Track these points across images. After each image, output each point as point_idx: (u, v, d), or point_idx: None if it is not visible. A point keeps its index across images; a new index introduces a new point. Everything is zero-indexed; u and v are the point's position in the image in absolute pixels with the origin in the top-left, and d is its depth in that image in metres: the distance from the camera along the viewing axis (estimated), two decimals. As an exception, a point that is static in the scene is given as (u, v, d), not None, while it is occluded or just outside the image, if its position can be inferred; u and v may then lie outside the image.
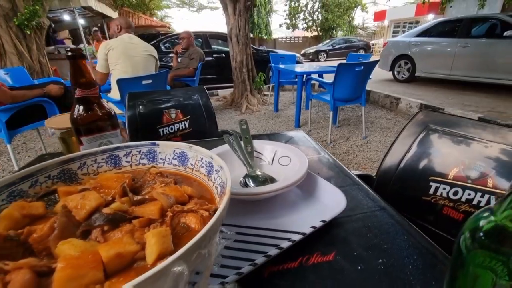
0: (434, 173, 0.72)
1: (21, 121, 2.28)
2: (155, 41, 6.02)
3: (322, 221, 0.39)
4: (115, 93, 2.22)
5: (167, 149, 0.46)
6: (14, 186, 0.36)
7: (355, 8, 18.25)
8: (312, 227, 0.38)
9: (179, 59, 3.34)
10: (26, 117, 2.31)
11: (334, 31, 18.55)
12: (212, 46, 5.94)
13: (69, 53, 0.41)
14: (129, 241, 0.27)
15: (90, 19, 8.84)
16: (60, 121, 0.51)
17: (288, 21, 19.88)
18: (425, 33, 5.55)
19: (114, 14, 9.13)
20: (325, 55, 13.91)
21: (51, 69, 5.65)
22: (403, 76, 5.83)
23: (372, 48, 14.32)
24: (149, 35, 9.22)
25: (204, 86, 1.38)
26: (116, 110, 2.05)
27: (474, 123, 0.69)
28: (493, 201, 0.63)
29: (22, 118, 2.26)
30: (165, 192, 0.34)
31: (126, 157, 0.46)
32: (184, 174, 0.43)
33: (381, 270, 0.33)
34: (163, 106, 1.24)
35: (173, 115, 1.25)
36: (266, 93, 4.78)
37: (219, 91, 5.19)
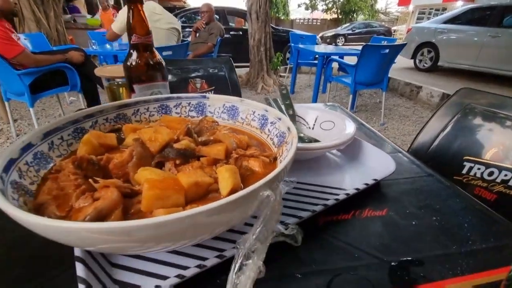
0: (469, 152, 0.71)
1: (43, 86, 2.31)
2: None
3: (374, 179, 0.40)
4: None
5: (216, 103, 0.46)
6: (78, 123, 0.37)
7: (379, -9, 17.29)
8: (364, 183, 0.38)
9: (197, 34, 3.28)
10: (47, 83, 2.34)
11: (354, 15, 17.72)
12: (230, 23, 5.79)
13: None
14: (203, 174, 0.28)
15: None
16: (112, 71, 0.52)
17: (307, 1, 19.06)
18: (453, 20, 5.25)
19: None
20: (343, 39, 13.40)
21: (67, 37, 5.65)
22: (425, 65, 5.59)
23: (393, 34, 13.67)
24: (165, 8, 9.02)
25: (232, 60, 1.36)
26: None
27: (520, 103, 0.67)
28: (532, 183, 0.62)
29: (43, 83, 2.30)
30: (228, 136, 0.35)
31: (176, 108, 0.46)
32: (233, 128, 0.44)
33: (436, 226, 0.34)
34: (189, 75, 1.23)
35: (198, 85, 1.25)
36: (282, 74, 4.68)
37: (236, 70, 5.11)
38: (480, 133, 0.71)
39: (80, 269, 0.24)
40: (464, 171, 0.72)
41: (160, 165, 0.29)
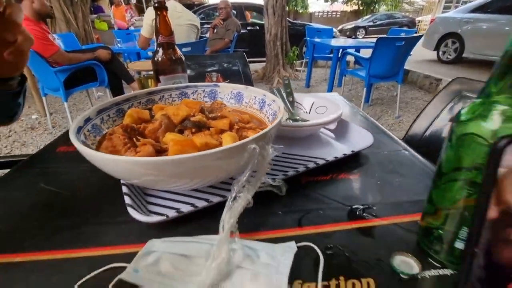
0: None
1: (74, 82, 2.53)
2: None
3: (352, 151, 0.48)
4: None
5: (226, 90, 0.56)
6: (119, 105, 0.49)
7: (403, -20, 16.51)
8: (343, 154, 0.47)
9: (215, 30, 3.40)
10: (78, 79, 2.55)
11: (376, 5, 17.09)
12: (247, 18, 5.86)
13: (156, 5, 0.51)
14: (212, 138, 0.38)
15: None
16: (142, 65, 0.63)
17: (326, -7, 18.61)
18: (481, 8, 4.98)
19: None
20: (363, 32, 13.02)
21: (94, 36, 6.00)
22: (449, 56, 5.37)
23: (418, 25, 13.08)
24: (183, 5, 9.24)
25: (245, 55, 1.46)
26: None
27: None
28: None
29: (75, 79, 2.51)
30: (232, 114, 0.45)
31: (193, 94, 0.57)
32: (239, 110, 0.54)
33: (395, 185, 0.42)
34: (206, 69, 1.34)
35: (214, 78, 1.35)
36: (298, 68, 4.71)
37: (251, 65, 5.20)
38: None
39: (127, 200, 0.35)
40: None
41: (180, 132, 0.40)
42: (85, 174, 0.46)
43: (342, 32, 13.19)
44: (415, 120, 0.86)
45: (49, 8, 2.27)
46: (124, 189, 0.37)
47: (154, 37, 0.55)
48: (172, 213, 0.34)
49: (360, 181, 0.44)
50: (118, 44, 3.62)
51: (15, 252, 0.30)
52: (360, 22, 13.63)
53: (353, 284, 0.26)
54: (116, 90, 2.76)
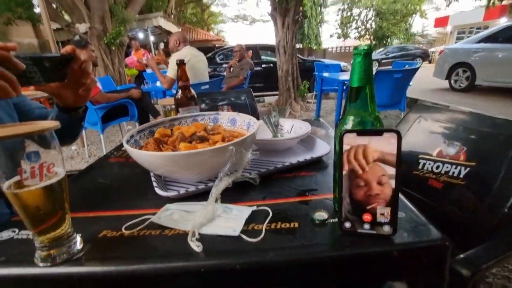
0: (423, 152, 0.91)
1: (109, 118, 2.94)
2: (211, 53, 6.75)
3: (311, 157, 0.67)
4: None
5: (224, 116, 0.79)
6: (151, 127, 0.72)
7: (413, 15, 17.21)
8: (304, 159, 0.66)
9: (231, 69, 3.82)
10: (113, 115, 2.96)
11: (389, 39, 17.74)
12: (262, 57, 6.41)
13: (178, 62, 0.77)
14: (209, 145, 0.59)
15: (158, 36, 10.24)
16: (167, 101, 0.89)
17: (339, 30, 19.69)
18: (489, 39, 5.14)
19: (178, 31, 10.42)
20: (377, 64, 13.43)
21: (127, 78, 6.80)
22: (461, 85, 5.44)
23: (431, 56, 13.31)
24: (206, 48, 10.25)
25: (252, 90, 1.72)
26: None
27: (454, 112, 0.88)
28: (463, 172, 0.81)
29: (110, 115, 2.92)
30: (225, 132, 0.66)
31: (202, 120, 0.80)
32: (233, 130, 0.75)
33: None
34: (218, 103, 1.61)
35: (225, 110, 1.61)
36: (310, 100, 5.00)
37: (265, 98, 5.58)
38: (428, 137, 0.92)
39: (155, 184, 0.56)
40: (420, 167, 0.92)
41: (189, 142, 0.62)
42: (127, 174, 0.68)
43: (355, 65, 13.63)
44: (387, 140, 1.02)
45: (95, 58, 2.76)
46: (153, 178, 0.58)
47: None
48: (182, 191, 0.54)
49: (314, 177, 0.62)
50: (147, 84, 4.14)
51: (91, 210, 0.51)
52: (373, 55, 14.10)
53: (285, 225, 0.44)
54: (144, 123, 3.13)
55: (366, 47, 0.36)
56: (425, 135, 0.93)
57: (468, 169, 0.80)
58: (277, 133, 0.82)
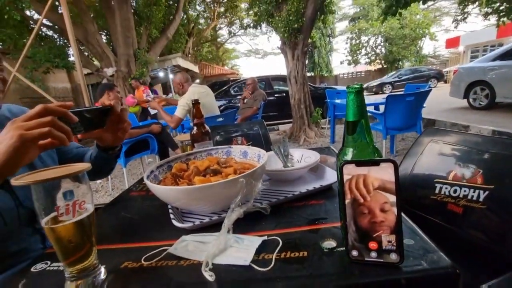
0: (437, 176, 0.90)
1: (132, 152, 3.10)
2: (226, 86, 7.11)
3: (320, 185, 0.69)
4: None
5: (237, 149, 0.84)
6: (169, 163, 0.78)
7: (423, 38, 17.44)
8: (313, 187, 0.68)
9: (244, 101, 3.99)
10: (135, 149, 3.13)
11: (400, 63, 17.89)
12: (274, 87, 6.65)
13: (193, 102, 0.85)
14: (222, 178, 0.63)
15: (176, 74, 10.96)
16: (183, 137, 0.96)
17: (349, 57, 20.21)
18: (505, 56, 5.06)
19: (195, 68, 11.16)
20: (390, 87, 13.44)
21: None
22: (481, 103, 5.28)
23: (446, 76, 13.17)
24: (221, 82, 10.80)
25: (264, 121, 1.79)
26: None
27: (466, 135, 0.87)
28: (482, 195, 0.78)
29: (132, 149, 3.09)
30: (237, 164, 0.70)
31: (215, 154, 0.85)
32: (245, 162, 0.79)
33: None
34: (232, 135, 1.68)
35: (239, 141, 1.67)
36: (323, 126, 5.02)
37: (280, 126, 5.68)
38: (442, 160, 0.91)
39: (172, 216, 0.60)
40: (437, 191, 0.90)
41: (204, 176, 0.66)
42: (147, 207, 0.73)
43: (368, 89, 13.75)
44: (400, 164, 1.02)
45: (120, 99, 3.01)
46: (170, 210, 0.62)
47: (189, 116, 0.84)
48: (197, 222, 0.57)
49: (324, 205, 0.63)
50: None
51: (114, 243, 0.56)
52: (385, 78, 14.19)
53: (294, 254, 0.46)
54: (164, 156, 3.27)
55: (357, 86, 0.40)
56: (438, 158, 0.92)
57: (487, 192, 0.77)
58: (287, 162, 0.85)
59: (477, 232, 0.79)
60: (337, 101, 3.93)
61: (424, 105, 2.61)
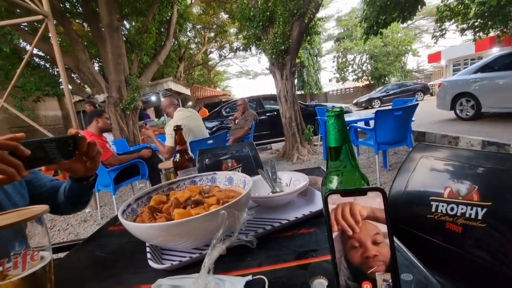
0: (432, 193, 0.87)
1: (122, 178, 3.01)
2: (218, 108, 7.16)
3: (310, 211, 0.64)
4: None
5: (222, 175, 0.79)
6: (149, 194, 0.73)
7: (406, 55, 18.21)
8: (302, 214, 0.63)
9: (236, 121, 3.99)
10: (125, 175, 3.04)
11: (386, 78, 18.49)
12: (265, 106, 6.72)
13: (175, 128, 0.81)
14: (203, 210, 0.59)
15: (169, 97, 11.06)
16: (166, 164, 0.91)
17: (337, 75, 20.84)
18: (485, 68, 5.27)
19: (187, 91, 11.28)
20: (379, 102, 13.77)
21: (140, 138, 7.17)
22: (468, 114, 5.41)
23: (432, 89, 13.61)
24: (213, 103, 10.91)
25: (253, 142, 1.76)
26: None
27: (456, 150, 0.85)
28: (480, 213, 0.75)
29: (122, 175, 3.00)
30: (220, 193, 0.66)
31: (199, 181, 0.80)
32: (231, 189, 0.75)
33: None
34: (222, 158, 1.64)
35: (229, 164, 1.63)
36: (316, 143, 5.03)
37: (272, 145, 5.67)
38: (435, 176, 0.88)
39: (148, 255, 0.54)
40: (433, 210, 0.86)
41: (184, 207, 0.61)
42: (125, 244, 0.67)
43: (358, 104, 14.05)
44: (393, 182, 0.99)
45: (110, 125, 2.97)
46: (148, 248, 0.57)
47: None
48: (176, 261, 0.52)
49: (314, 234, 0.58)
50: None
51: (80, 291, 0.49)
52: (373, 94, 14.57)
53: (281, 297, 0.41)
54: (155, 180, 3.18)
55: (337, 109, 0.38)
56: (431, 175, 0.89)
57: (485, 209, 0.74)
58: (276, 187, 0.81)
59: (480, 252, 0.75)
60: (328, 118, 3.96)
61: (413, 119, 2.63)
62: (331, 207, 0.37)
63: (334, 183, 0.40)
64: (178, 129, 0.81)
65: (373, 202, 0.35)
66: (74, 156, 0.60)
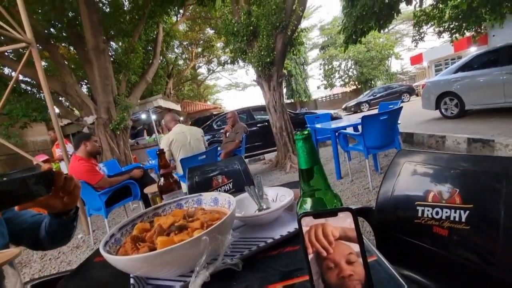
0: (417, 198, 0.88)
1: (113, 200, 2.95)
2: (209, 121, 7.18)
3: (295, 228, 0.65)
4: (179, 170, 2.81)
5: (207, 197, 0.79)
6: (134, 221, 0.72)
7: (389, 58, 18.77)
8: (287, 231, 0.64)
9: (227, 134, 4.00)
10: (117, 197, 2.98)
11: (372, 82, 18.95)
12: (256, 117, 6.77)
13: (158, 152, 0.81)
14: (187, 236, 0.58)
15: (159, 114, 11.06)
16: (151, 188, 0.90)
17: (325, 82, 21.25)
18: (465, 67, 5.47)
19: (177, 107, 11.30)
20: (367, 105, 14.04)
21: (132, 157, 7.09)
22: (452, 112, 5.56)
23: (417, 90, 13.99)
24: (204, 117, 10.93)
25: (243, 157, 1.77)
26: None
27: (436, 154, 0.88)
28: (463, 216, 0.76)
29: (114, 198, 2.94)
30: (204, 216, 0.66)
31: (185, 203, 0.80)
32: (216, 209, 0.75)
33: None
34: (212, 174, 1.63)
35: (220, 180, 1.62)
36: (308, 151, 5.06)
37: (265, 155, 5.68)
38: (418, 181, 0.90)
39: (132, 286, 0.53)
40: (419, 215, 0.87)
41: (168, 234, 0.61)
42: (110, 275, 0.65)
43: (347, 109, 14.28)
44: (379, 189, 1.00)
45: (98, 147, 2.93)
46: (132, 280, 0.56)
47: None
48: (159, 293, 0.51)
49: (299, 252, 0.58)
50: (150, 161, 4.29)
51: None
52: (361, 98, 14.87)
53: (264, 323, 0.40)
54: (148, 200, 3.13)
55: (305, 132, 0.39)
56: (415, 180, 0.91)
57: (468, 212, 0.76)
58: (262, 204, 0.81)
59: (466, 254, 0.76)
60: (317, 125, 4.01)
61: (399, 122, 2.69)
62: (304, 229, 0.38)
63: (308, 205, 0.41)
64: (161, 153, 0.81)
65: (344, 222, 0.36)
66: (49, 192, 0.59)
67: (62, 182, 0.60)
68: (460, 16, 6.14)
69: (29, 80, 6.81)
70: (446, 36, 6.90)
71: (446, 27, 6.62)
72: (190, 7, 11.05)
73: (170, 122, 2.97)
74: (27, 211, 0.80)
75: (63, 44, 7.86)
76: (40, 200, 0.60)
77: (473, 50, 11.29)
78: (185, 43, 14.23)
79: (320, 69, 21.22)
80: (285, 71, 5.03)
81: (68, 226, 0.73)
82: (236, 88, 28.25)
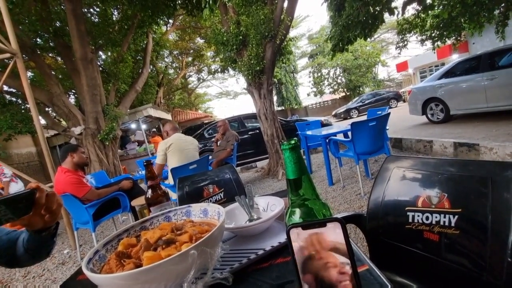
0: (407, 203, 0.88)
1: (102, 213, 2.86)
2: (200, 130, 7.13)
3: (285, 238, 0.63)
4: (171, 180, 2.76)
5: (196, 208, 0.77)
6: (120, 236, 0.69)
7: (376, 66, 19.29)
8: (278, 242, 0.62)
9: (218, 143, 3.98)
10: (105, 209, 2.89)
11: (361, 89, 19.38)
12: (247, 125, 6.77)
13: (145, 163, 0.79)
14: (175, 250, 0.56)
15: (150, 123, 10.94)
16: (139, 201, 0.88)
17: (314, 89, 21.59)
18: (448, 74, 5.66)
19: (168, 116, 11.20)
20: (356, 112, 14.29)
21: (121, 168, 6.93)
22: (438, 117, 5.72)
23: (404, 96, 14.38)
24: (195, 126, 10.88)
25: (234, 166, 1.75)
26: (171, 194, 2.52)
27: (422, 159, 0.89)
28: (453, 220, 0.77)
29: (102, 210, 2.85)
30: (193, 228, 0.64)
31: (174, 216, 0.78)
32: (206, 221, 0.73)
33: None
34: (202, 184, 1.61)
35: (211, 190, 1.60)
36: (300, 158, 5.08)
37: (257, 163, 5.67)
38: (408, 187, 0.90)
39: (116, 307, 0.50)
40: (410, 220, 0.87)
41: (155, 249, 0.58)
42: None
43: (337, 116, 14.51)
44: (370, 196, 1.00)
45: (86, 159, 2.85)
46: (116, 300, 0.53)
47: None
48: (145, 312, 0.49)
49: (290, 263, 0.57)
50: (139, 172, 4.20)
51: None
52: (350, 104, 15.14)
53: None
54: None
55: (292, 142, 0.38)
56: (405, 185, 0.92)
57: (457, 216, 0.76)
58: (253, 214, 0.80)
59: (457, 258, 0.76)
60: (308, 132, 4.04)
61: (388, 127, 2.74)
62: (293, 240, 0.37)
63: (296, 215, 0.40)
64: (148, 164, 0.79)
65: (333, 233, 0.35)
66: (30, 212, 0.56)
67: (44, 200, 0.57)
68: (441, 25, 6.40)
69: (14, 90, 6.64)
70: (428, 44, 7.16)
71: (428, 35, 6.88)
72: (180, 17, 11.12)
73: (171, 130, 2.99)
74: (1, 229, 0.76)
75: (49, 54, 7.74)
76: (22, 219, 0.57)
77: (455, 58, 11.75)
78: (175, 52, 14.25)
79: (310, 76, 21.58)
80: (275, 80, 5.08)
81: (48, 242, 0.70)
82: (227, 97, 28.34)
